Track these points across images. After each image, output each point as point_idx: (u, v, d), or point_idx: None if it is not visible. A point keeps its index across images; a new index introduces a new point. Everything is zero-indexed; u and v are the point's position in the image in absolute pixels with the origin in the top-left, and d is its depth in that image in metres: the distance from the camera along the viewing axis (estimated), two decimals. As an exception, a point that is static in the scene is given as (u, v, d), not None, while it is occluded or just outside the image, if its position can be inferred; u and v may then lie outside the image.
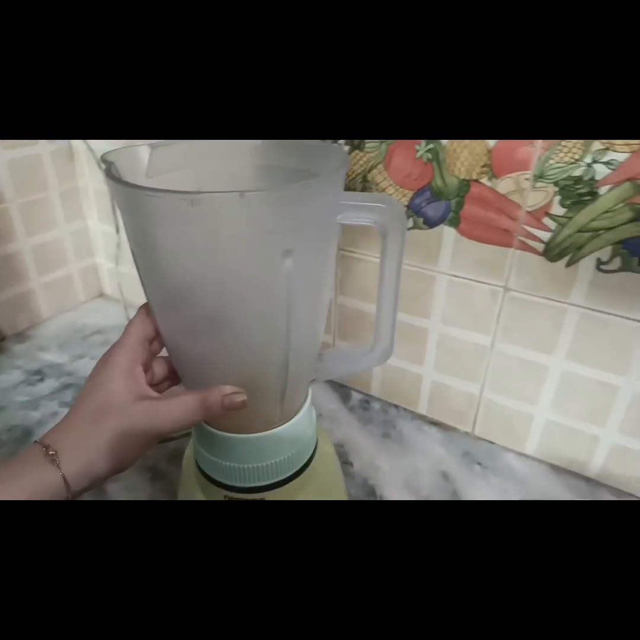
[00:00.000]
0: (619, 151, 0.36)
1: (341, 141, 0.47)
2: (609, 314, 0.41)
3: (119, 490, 0.45)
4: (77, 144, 0.68)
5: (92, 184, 0.70)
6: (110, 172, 0.25)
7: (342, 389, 0.58)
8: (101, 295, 0.79)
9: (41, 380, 0.59)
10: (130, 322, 0.31)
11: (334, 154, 0.31)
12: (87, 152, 0.67)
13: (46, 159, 0.66)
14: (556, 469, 0.48)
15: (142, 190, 0.23)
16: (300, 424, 0.33)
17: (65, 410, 0.52)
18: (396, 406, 0.56)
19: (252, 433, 0.32)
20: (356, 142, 0.46)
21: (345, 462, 0.48)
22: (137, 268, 0.28)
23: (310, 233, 0.27)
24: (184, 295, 0.27)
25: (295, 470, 0.34)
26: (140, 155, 0.29)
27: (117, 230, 0.59)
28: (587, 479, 0.47)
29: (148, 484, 0.45)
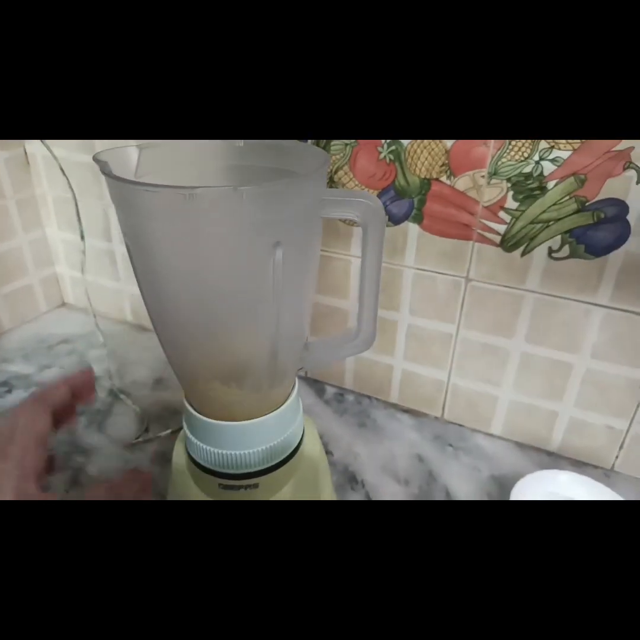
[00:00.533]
0: (563, 149, 0.40)
1: (309, 143, 0.49)
2: (561, 297, 0.45)
3: (102, 494, 0.45)
4: (33, 151, 0.67)
5: (51, 191, 0.69)
6: (107, 170, 0.26)
7: (316, 384, 0.60)
8: (63, 304, 0.77)
9: (9, 391, 0.57)
10: (21, 426, 0.26)
11: (309, 154, 0.34)
12: (44, 159, 0.66)
13: (0, 167, 0.65)
14: (521, 445, 0.52)
15: (140, 186, 0.24)
16: (289, 411, 0.35)
17: (39, 420, 0.52)
18: (369, 397, 0.58)
19: (244, 420, 0.33)
20: (322, 143, 0.49)
21: (325, 452, 0.50)
22: (133, 263, 0.29)
23: (297, 226, 0.29)
24: (178, 286, 0.28)
25: (285, 455, 0.35)
26: (130, 156, 0.30)
27: (82, 237, 0.59)
28: (549, 453, 0.51)
29: (132, 485, 0.46)
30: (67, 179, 0.57)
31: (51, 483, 0.45)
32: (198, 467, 0.35)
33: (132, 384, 0.60)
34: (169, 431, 0.51)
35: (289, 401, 0.35)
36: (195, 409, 0.34)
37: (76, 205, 0.57)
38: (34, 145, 0.67)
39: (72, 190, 0.57)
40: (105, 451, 0.50)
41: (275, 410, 0.34)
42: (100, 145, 0.61)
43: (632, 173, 0.38)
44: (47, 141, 0.57)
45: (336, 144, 0.48)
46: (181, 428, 0.37)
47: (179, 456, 0.38)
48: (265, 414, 0.34)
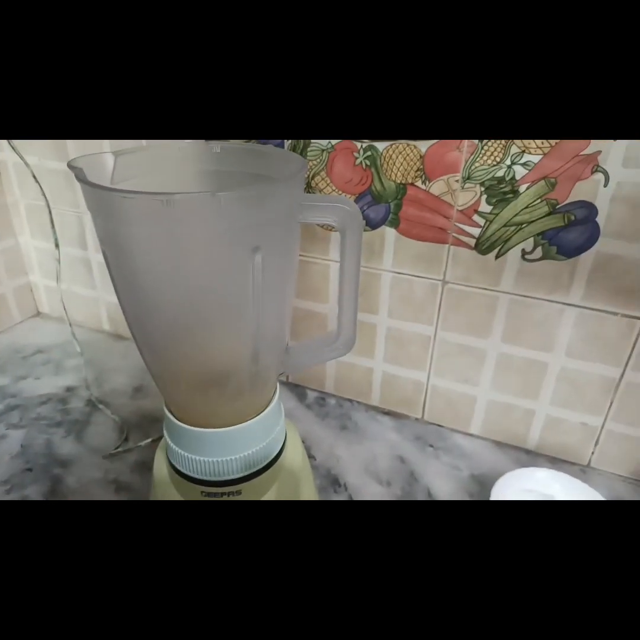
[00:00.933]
0: (534, 154, 0.41)
1: (286, 147, 0.49)
2: (535, 298, 0.46)
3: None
4: (3, 158, 0.66)
5: (23, 199, 0.68)
6: (83, 177, 0.25)
7: (297, 389, 0.60)
8: (38, 314, 0.76)
9: (-17, 404, 0.56)
10: None
11: (285, 159, 0.34)
12: (15, 166, 0.65)
13: (-31, 175, 0.64)
14: (499, 444, 0.53)
15: (117, 193, 0.24)
16: (271, 416, 0.35)
17: (14, 432, 0.52)
18: (350, 400, 0.59)
19: (225, 427, 0.33)
20: (299, 149, 0.49)
21: (307, 456, 0.50)
22: (110, 270, 0.29)
23: (276, 231, 0.29)
24: (157, 293, 0.28)
25: (268, 461, 0.35)
26: (106, 162, 0.29)
27: (57, 245, 0.58)
28: (527, 451, 0.52)
29: (113, 495, 0.45)
30: (40, 186, 0.57)
31: (29, 495, 0.44)
32: (180, 475, 0.34)
33: (110, 392, 0.59)
34: (149, 440, 0.51)
35: (270, 406, 0.35)
36: (175, 417, 0.34)
37: (50, 213, 0.57)
38: (4, 152, 0.65)
39: (45, 197, 0.56)
40: (84, 462, 0.49)
41: (257, 416, 0.34)
42: (73, 151, 0.60)
43: (599, 176, 0.39)
44: (19, 148, 0.56)
45: (313, 150, 0.49)
46: (162, 436, 0.37)
47: (160, 465, 0.37)
48: (247, 420, 0.33)
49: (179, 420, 0.33)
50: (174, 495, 0.36)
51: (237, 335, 0.30)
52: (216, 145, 0.35)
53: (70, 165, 0.27)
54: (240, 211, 0.26)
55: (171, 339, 0.30)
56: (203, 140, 0.35)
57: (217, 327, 0.30)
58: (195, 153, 0.36)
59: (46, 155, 0.62)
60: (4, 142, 0.64)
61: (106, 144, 0.58)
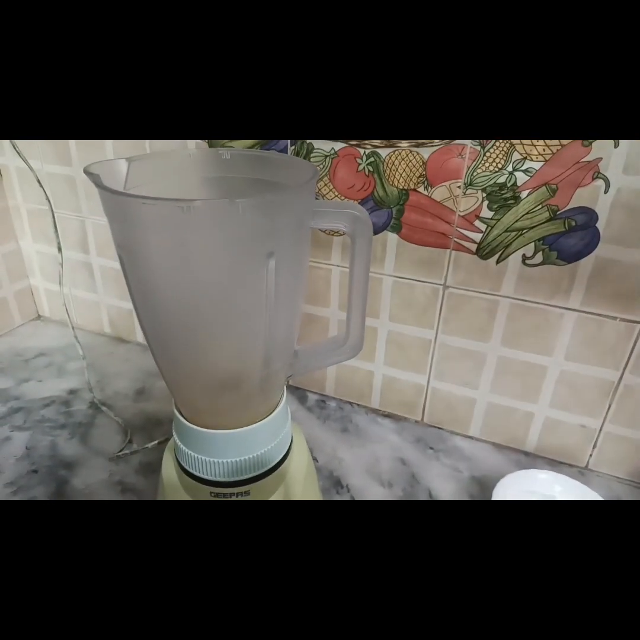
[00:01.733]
0: (535, 161, 0.42)
1: (290, 153, 0.50)
2: (535, 302, 0.47)
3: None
4: (5, 162, 0.66)
5: (25, 203, 0.68)
6: (100, 183, 0.26)
7: (298, 391, 0.61)
8: (39, 317, 0.76)
9: (-14, 406, 0.56)
10: None
11: (292, 165, 0.35)
12: (17, 170, 0.65)
13: (-29, 178, 0.64)
14: (498, 446, 0.54)
15: (138, 199, 0.25)
16: (279, 418, 0.35)
17: (18, 434, 0.52)
18: (351, 403, 0.59)
19: (235, 428, 0.33)
20: (302, 154, 0.50)
21: (310, 457, 0.51)
22: (126, 275, 0.29)
23: (289, 237, 0.29)
24: (173, 297, 0.29)
25: (276, 461, 0.36)
26: (119, 168, 0.30)
27: (60, 249, 0.58)
28: (526, 453, 0.53)
29: (119, 497, 0.45)
30: (44, 190, 0.57)
31: (36, 496, 0.44)
32: (189, 476, 0.35)
33: (113, 395, 0.59)
34: (155, 442, 0.51)
35: (278, 408, 0.35)
36: (185, 418, 0.34)
37: (53, 217, 0.57)
38: (6, 157, 0.66)
39: (49, 202, 0.57)
40: (89, 463, 0.49)
41: (266, 417, 0.34)
42: (75, 156, 0.61)
43: (600, 183, 0.40)
44: (23, 153, 0.56)
45: (316, 156, 0.49)
46: (168, 438, 0.37)
47: (168, 466, 0.38)
48: (257, 422, 0.34)
49: (189, 422, 0.34)
50: (182, 495, 0.36)
51: (249, 339, 0.31)
52: (225, 152, 0.36)
53: (86, 172, 0.27)
54: (257, 217, 0.27)
55: (185, 343, 0.30)
56: (212, 148, 0.36)
57: (230, 331, 0.30)
58: (205, 159, 0.36)
59: (47, 160, 0.62)
60: (6, 146, 0.64)
61: (109, 148, 0.58)
